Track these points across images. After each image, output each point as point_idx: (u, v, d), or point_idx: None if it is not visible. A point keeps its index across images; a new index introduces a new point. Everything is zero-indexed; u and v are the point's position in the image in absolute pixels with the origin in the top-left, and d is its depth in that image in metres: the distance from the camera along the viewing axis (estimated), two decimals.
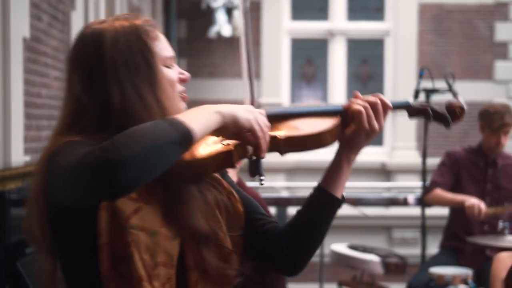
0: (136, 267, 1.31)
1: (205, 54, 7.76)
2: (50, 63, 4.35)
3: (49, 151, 1.33)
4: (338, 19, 7.87)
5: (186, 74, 1.52)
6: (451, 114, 1.58)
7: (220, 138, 1.44)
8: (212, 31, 7.50)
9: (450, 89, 4.13)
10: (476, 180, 4.07)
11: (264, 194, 4.94)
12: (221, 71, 7.76)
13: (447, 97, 4.56)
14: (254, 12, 7.74)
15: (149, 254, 1.33)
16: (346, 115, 1.52)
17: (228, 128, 1.35)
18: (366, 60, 8.05)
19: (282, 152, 1.48)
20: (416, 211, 5.63)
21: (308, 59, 8.07)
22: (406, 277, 4.38)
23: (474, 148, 4.14)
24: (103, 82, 1.39)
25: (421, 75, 4.31)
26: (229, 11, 7.55)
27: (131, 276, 1.31)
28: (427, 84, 4.42)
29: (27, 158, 3.92)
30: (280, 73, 7.78)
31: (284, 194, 5.52)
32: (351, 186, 5.61)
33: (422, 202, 4.36)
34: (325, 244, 4.68)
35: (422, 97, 4.41)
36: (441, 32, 7.75)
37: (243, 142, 1.40)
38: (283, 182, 7.31)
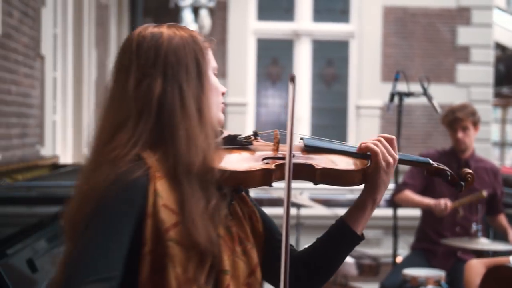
0: (168, 279, 1.32)
1: None
2: (20, 60, 4.25)
3: (100, 182, 1.33)
4: (303, 20, 7.92)
5: (224, 89, 1.56)
6: (464, 179, 1.68)
7: (260, 157, 1.50)
8: None
9: (425, 93, 4.19)
10: None
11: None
12: None
13: (417, 101, 4.65)
14: (220, 12, 7.72)
15: (182, 268, 1.34)
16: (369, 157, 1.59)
17: None
18: (331, 61, 8.12)
19: (315, 182, 1.53)
20: (380, 211, 5.72)
21: (274, 59, 8.10)
22: (379, 278, 4.43)
23: (447, 150, 4.21)
24: (153, 76, 1.41)
25: (396, 79, 4.36)
26: (195, 10, 7.52)
27: (164, 287, 1.33)
28: (400, 87, 4.48)
29: (0, 157, 3.83)
30: (245, 72, 7.78)
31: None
32: (321, 187, 5.65)
33: (393, 203, 4.41)
34: (300, 245, 4.70)
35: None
36: (405, 35, 7.87)
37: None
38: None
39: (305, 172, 1.51)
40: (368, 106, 7.73)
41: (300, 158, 1.54)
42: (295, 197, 4.14)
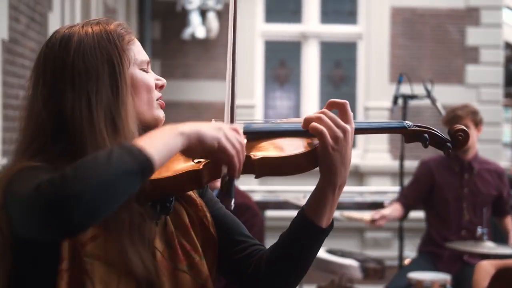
0: None
1: (179, 55, 7.73)
2: (27, 64, 4.28)
3: (7, 176, 1.22)
4: (311, 22, 7.91)
5: (163, 80, 1.42)
6: (453, 138, 1.40)
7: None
8: (186, 33, 7.48)
9: (429, 95, 4.18)
10: (452, 186, 4.11)
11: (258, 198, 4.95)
12: (194, 72, 7.73)
13: (426, 102, 4.64)
14: (228, 15, 7.72)
15: (103, 285, 1.22)
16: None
17: (194, 149, 1.22)
18: (339, 63, 8.10)
19: (256, 175, 1.32)
20: None
21: (282, 62, 8.10)
22: (384, 281, 4.42)
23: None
24: (61, 90, 1.30)
25: (400, 81, 4.36)
26: (203, 13, 7.54)
27: None
28: (404, 89, 4.47)
29: (5, 161, 3.86)
30: (253, 75, 7.79)
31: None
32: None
33: None
34: None
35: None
36: (413, 36, 7.84)
37: (215, 161, 1.26)
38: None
39: (243, 165, 1.28)
40: (376, 108, 7.71)
41: None
42: (298, 200, 4.13)
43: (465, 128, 1.42)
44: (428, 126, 1.42)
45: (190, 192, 1.43)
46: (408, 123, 1.42)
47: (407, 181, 4.39)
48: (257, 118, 7.90)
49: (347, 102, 1.35)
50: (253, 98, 7.81)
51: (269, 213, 5.28)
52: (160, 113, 1.41)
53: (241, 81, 7.72)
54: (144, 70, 1.39)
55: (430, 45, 7.83)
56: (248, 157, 1.29)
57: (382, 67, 7.75)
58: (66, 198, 1.04)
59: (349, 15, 8.02)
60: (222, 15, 7.70)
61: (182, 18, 7.48)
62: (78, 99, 1.29)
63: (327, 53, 7.99)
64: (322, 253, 4.21)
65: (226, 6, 7.71)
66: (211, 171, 1.29)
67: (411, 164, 4.71)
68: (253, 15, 7.76)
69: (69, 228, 1.07)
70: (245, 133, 1.37)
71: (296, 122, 1.39)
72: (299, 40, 7.95)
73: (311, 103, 7.93)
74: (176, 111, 7.42)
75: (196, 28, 7.43)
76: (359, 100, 7.95)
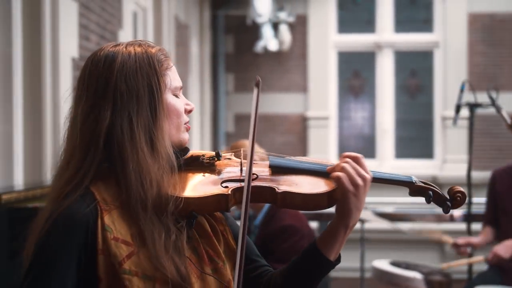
0: None
1: (252, 68, 7.81)
2: None
3: (38, 229, 1.35)
4: (385, 31, 7.82)
5: (192, 106, 1.51)
6: (452, 198, 1.50)
7: (220, 179, 1.45)
8: (259, 46, 7.55)
9: (493, 104, 4.05)
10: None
11: None
12: (268, 85, 7.79)
13: (491, 111, 4.50)
14: (300, 26, 7.76)
15: None
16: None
17: None
18: (415, 72, 7.96)
19: (277, 205, 1.44)
20: (456, 226, 5.58)
21: (355, 72, 8.03)
22: None
23: None
24: (102, 107, 1.38)
25: (462, 90, 4.25)
26: (275, 25, 7.59)
27: None
28: (471, 98, 4.35)
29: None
30: (327, 86, 7.76)
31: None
32: (403, 201, 5.55)
33: (468, 218, 4.28)
34: (367, 260, 4.63)
35: (464, 112, 4.35)
36: (493, 42, 7.61)
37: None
38: None
39: (266, 195, 1.42)
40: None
41: (263, 180, 1.45)
42: None
43: (463, 190, 1.50)
44: (432, 184, 1.52)
45: None
46: (415, 178, 1.53)
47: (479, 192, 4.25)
48: (332, 130, 7.86)
49: (361, 155, 1.45)
50: (327, 110, 7.78)
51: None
52: (186, 136, 1.49)
53: (314, 93, 7.72)
54: (176, 96, 1.48)
55: (511, 51, 7.57)
56: (272, 189, 1.42)
57: (460, 75, 7.53)
58: None
59: (424, 23, 7.87)
60: (294, 27, 7.73)
61: (255, 31, 7.56)
62: (120, 118, 1.37)
63: (402, 62, 7.87)
64: (385, 265, 4.12)
65: (298, 18, 7.74)
66: (241, 196, 1.40)
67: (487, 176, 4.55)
68: (326, 26, 7.75)
69: None
70: (270, 166, 1.49)
71: (318, 163, 1.51)
72: (373, 50, 7.87)
73: (386, 114, 7.82)
74: None
75: (269, 41, 7.49)
76: (436, 109, 7.77)
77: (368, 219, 4.04)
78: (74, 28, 3.99)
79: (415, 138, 7.92)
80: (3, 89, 3.59)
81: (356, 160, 1.43)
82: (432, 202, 1.50)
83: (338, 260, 1.49)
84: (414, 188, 1.51)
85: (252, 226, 3.36)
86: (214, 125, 7.79)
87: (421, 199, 1.52)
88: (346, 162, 1.43)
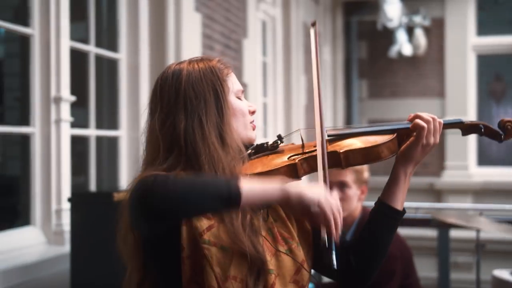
0: (208, 278, 1.43)
1: (386, 73, 7.71)
2: None
3: (135, 181, 1.50)
4: None
5: (254, 107, 1.66)
6: (503, 129, 1.67)
7: (286, 155, 1.60)
8: (393, 51, 7.44)
9: None
10: None
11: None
12: (403, 90, 7.65)
13: None
14: (436, 30, 7.55)
15: (220, 267, 1.44)
16: (402, 132, 1.64)
17: (294, 207, 1.44)
18: None
19: (342, 166, 1.58)
20: None
21: (497, 76, 7.68)
22: None
23: None
24: (176, 113, 1.55)
25: None
26: (409, 30, 7.45)
27: (205, 287, 1.44)
28: None
29: None
30: (466, 90, 7.49)
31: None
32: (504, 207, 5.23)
33: None
34: (487, 270, 4.41)
35: None
36: None
37: (313, 220, 1.47)
38: (470, 203, 7.00)
39: (330, 160, 1.55)
40: None
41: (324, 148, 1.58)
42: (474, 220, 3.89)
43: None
44: (480, 121, 1.71)
45: None
46: (464, 119, 1.71)
47: None
48: (471, 136, 7.56)
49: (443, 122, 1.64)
50: (466, 115, 7.49)
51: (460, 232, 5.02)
52: (253, 134, 1.66)
53: (453, 98, 7.48)
54: (239, 98, 1.64)
55: None
56: (334, 152, 1.57)
57: None
58: (156, 194, 1.37)
59: None
60: (430, 31, 7.54)
61: (388, 36, 7.47)
62: (191, 120, 1.54)
63: None
64: (507, 275, 3.91)
65: (434, 21, 7.54)
66: (309, 164, 1.56)
67: None
68: (465, 29, 7.48)
69: (149, 217, 1.39)
70: (329, 136, 1.64)
71: (378, 125, 1.67)
72: None
73: None
74: None
75: (403, 45, 7.37)
76: None
77: (486, 229, 3.86)
78: (198, 38, 4.17)
79: None
80: (131, 97, 3.84)
81: (440, 123, 1.62)
82: (484, 136, 1.68)
83: (404, 210, 1.65)
84: (465, 127, 1.69)
85: (344, 242, 3.30)
86: None
87: None
88: (434, 119, 1.61)
